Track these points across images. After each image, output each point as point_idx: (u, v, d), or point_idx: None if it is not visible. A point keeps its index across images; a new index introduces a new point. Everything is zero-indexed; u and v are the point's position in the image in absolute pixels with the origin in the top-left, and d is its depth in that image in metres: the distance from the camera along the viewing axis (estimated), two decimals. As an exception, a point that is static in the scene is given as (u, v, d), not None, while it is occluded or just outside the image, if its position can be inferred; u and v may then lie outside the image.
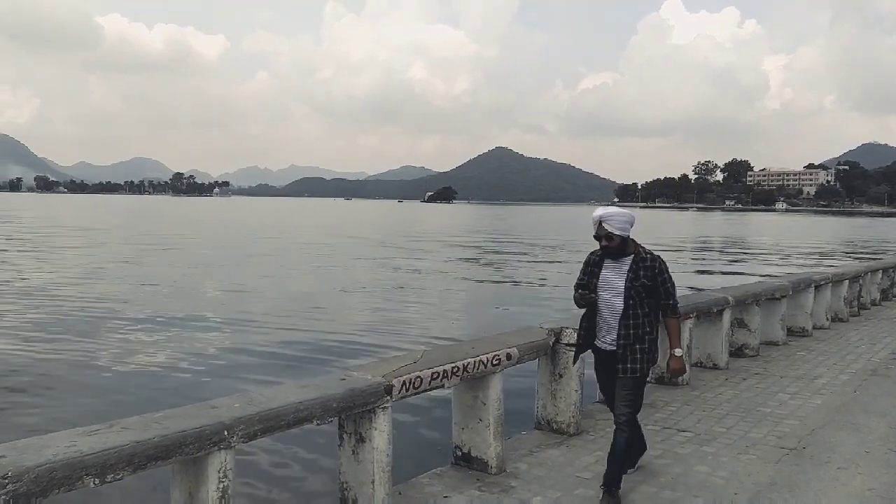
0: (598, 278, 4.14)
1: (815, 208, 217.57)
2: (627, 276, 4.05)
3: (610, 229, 4.02)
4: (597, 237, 4.08)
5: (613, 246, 4.05)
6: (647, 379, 4.31)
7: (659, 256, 4.13)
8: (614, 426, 4.17)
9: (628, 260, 4.08)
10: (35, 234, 41.39)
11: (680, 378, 4.16)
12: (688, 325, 7.05)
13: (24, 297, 16.44)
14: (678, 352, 4.16)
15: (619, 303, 4.07)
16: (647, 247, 4.16)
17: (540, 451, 5.00)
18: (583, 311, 4.29)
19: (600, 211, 4.09)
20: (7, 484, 2.40)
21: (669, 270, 4.12)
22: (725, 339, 7.78)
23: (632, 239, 4.13)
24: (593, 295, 4.12)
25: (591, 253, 4.25)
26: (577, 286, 4.22)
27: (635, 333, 4.06)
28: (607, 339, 4.15)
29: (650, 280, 4.05)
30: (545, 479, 4.50)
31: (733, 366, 7.82)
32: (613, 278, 4.09)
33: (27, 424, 7.22)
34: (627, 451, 4.16)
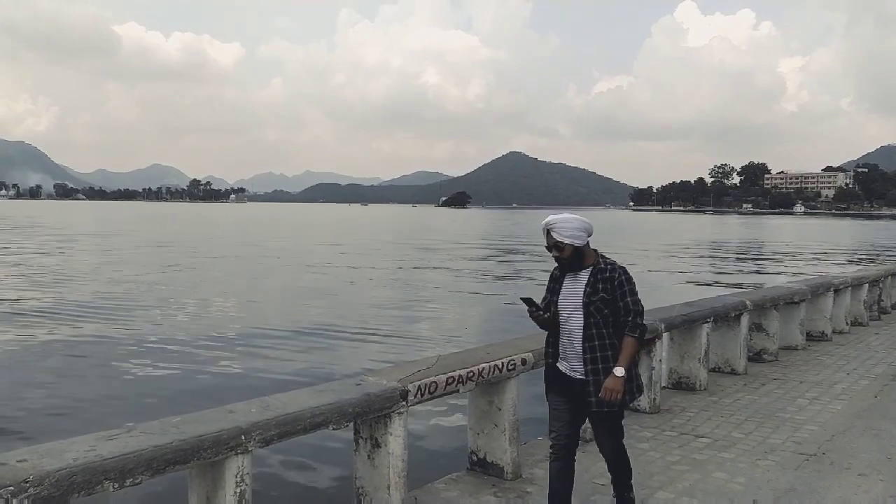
0: (558, 294, 3.68)
1: (833, 211, 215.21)
2: (585, 290, 3.56)
3: (559, 238, 3.54)
4: (547, 247, 3.64)
5: (565, 257, 3.57)
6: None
7: (622, 267, 3.62)
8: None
9: (587, 272, 3.59)
10: (64, 240, 41.93)
11: (611, 401, 3.49)
12: (705, 329, 7.00)
13: (46, 301, 16.66)
14: (618, 371, 3.47)
15: (578, 322, 3.58)
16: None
17: (556, 457, 4.97)
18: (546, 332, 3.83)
19: (549, 218, 3.62)
20: (28, 488, 2.43)
21: (634, 283, 3.59)
22: (743, 343, 7.71)
23: (593, 249, 3.66)
24: (543, 313, 3.64)
25: (555, 267, 3.76)
26: (530, 304, 3.68)
27: (603, 357, 3.52)
28: (574, 364, 3.62)
29: (610, 294, 3.53)
30: (561, 484, 4.47)
31: (752, 371, 7.74)
32: (572, 294, 3.62)
33: (47, 428, 7.29)
34: (626, 466, 3.81)
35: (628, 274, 3.60)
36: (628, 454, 3.85)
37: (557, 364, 3.71)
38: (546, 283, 3.82)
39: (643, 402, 6.09)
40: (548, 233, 3.59)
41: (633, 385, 3.60)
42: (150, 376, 9.83)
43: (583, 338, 3.56)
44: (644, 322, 3.58)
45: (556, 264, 3.71)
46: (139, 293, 18.62)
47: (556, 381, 3.73)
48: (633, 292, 3.56)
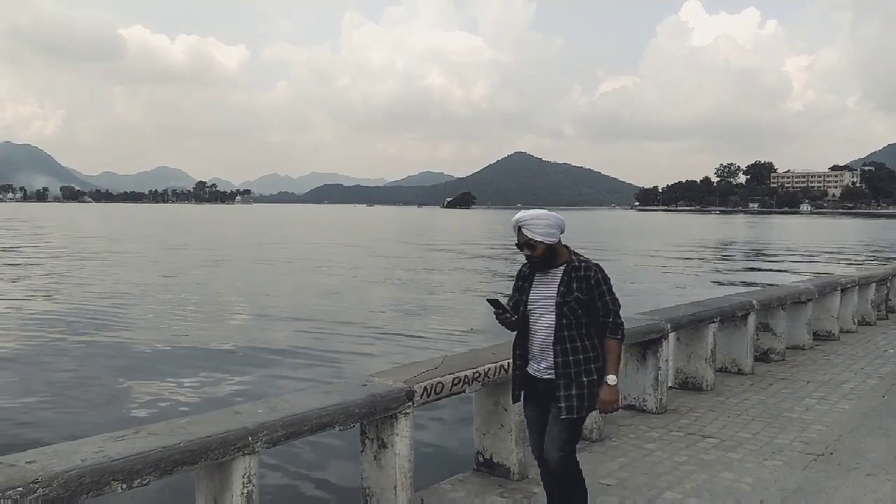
0: (527, 294, 3.48)
1: (840, 210, 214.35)
2: (558, 289, 3.36)
3: (531, 235, 3.33)
4: (518, 245, 3.42)
5: (537, 255, 3.37)
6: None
7: (597, 265, 3.42)
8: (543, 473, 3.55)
9: (559, 271, 3.40)
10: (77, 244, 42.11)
11: (609, 412, 3.46)
12: (711, 328, 6.98)
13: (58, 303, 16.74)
14: (611, 379, 3.35)
15: (550, 323, 3.38)
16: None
17: (562, 457, 4.96)
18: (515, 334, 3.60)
19: (519, 214, 3.42)
20: (37, 489, 2.44)
21: (609, 281, 3.41)
22: (750, 343, 7.69)
23: (565, 246, 3.45)
24: (511, 315, 3.41)
25: (523, 265, 3.56)
26: (496, 306, 3.41)
27: (575, 360, 3.33)
28: (541, 366, 3.43)
29: (585, 293, 3.34)
30: (568, 485, 4.46)
31: (758, 371, 7.72)
32: (543, 294, 3.41)
33: (55, 430, 7.33)
34: (576, 485, 3.53)
35: (604, 272, 3.41)
36: (580, 476, 3.56)
37: (527, 368, 3.52)
38: (514, 281, 3.61)
39: (650, 402, 6.08)
40: (519, 230, 3.38)
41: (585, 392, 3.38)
42: (156, 378, 9.86)
43: (554, 340, 3.36)
44: (622, 321, 3.43)
45: (524, 262, 3.53)
46: (152, 296, 18.69)
47: (528, 390, 3.54)
48: (611, 291, 3.40)
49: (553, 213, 3.41)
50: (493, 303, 3.37)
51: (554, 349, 3.36)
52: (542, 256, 3.38)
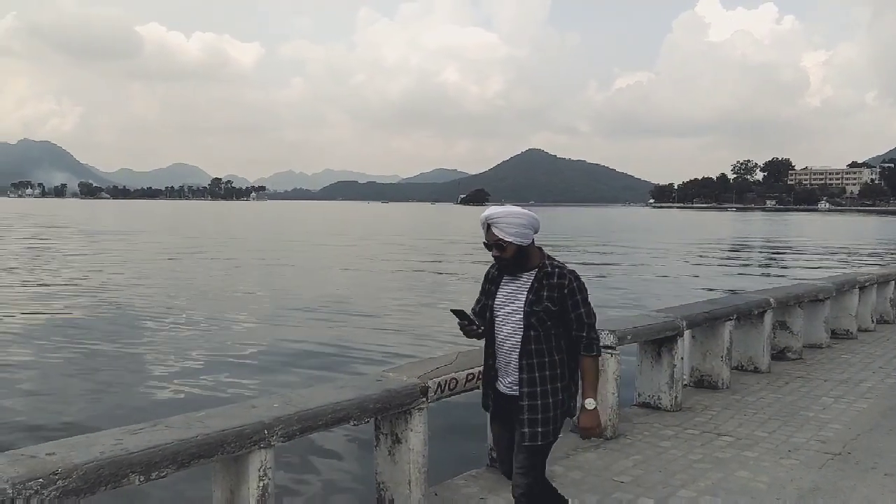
0: (494, 299, 3.15)
1: (859, 208, 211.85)
2: (527, 297, 3.03)
3: (501, 235, 3.00)
4: (486, 245, 3.08)
5: (507, 257, 3.03)
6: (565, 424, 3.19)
7: (572, 272, 3.07)
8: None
9: (530, 276, 3.06)
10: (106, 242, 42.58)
11: (593, 437, 3.15)
12: (728, 326, 6.93)
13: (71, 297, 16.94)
14: (589, 403, 3.02)
15: (516, 333, 3.05)
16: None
17: (576, 455, 4.96)
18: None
19: (489, 210, 3.07)
20: (57, 480, 2.48)
21: (585, 291, 3.07)
22: (767, 341, 7.63)
23: (538, 248, 3.11)
24: (477, 327, 3.10)
25: (492, 265, 3.22)
26: (461, 317, 3.09)
27: (541, 377, 3.01)
28: (507, 381, 3.12)
29: (556, 303, 2.99)
30: (581, 482, 4.46)
31: (775, 369, 7.66)
32: (511, 300, 3.08)
33: (73, 422, 7.42)
34: None
35: (580, 280, 3.06)
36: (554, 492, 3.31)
37: (496, 384, 3.19)
38: (481, 285, 3.29)
39: (665, 399, 6.05)
40: (488, 228, 3.04)
41: (571, 409, 3.12)
42: (173, 371, 9.95)
43: (520, 353, 3.03)
44: (598, 335, 3.10)
45: (492, 263, 3.21)
46: (174, 293, 18.86)
47: (495, 405, 3.23)
48: (586, 302, 3.05)
49: (527, 212, 3.07)
50: (458, 314, 3.07)
51: (519, 363, 3.04)
52: (511, 258, 3.04)
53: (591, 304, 3.08)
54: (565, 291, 3.01)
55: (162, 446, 2.79)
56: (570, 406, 3.10)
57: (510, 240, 2.99)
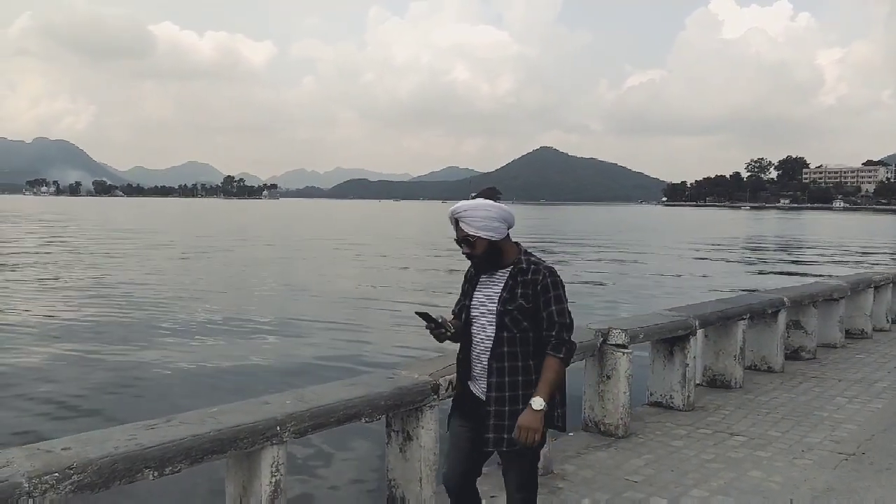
0: (470, 299, 2.97)
1: (874, 206, 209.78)
2: (500, 295, 2.85)
3: (469, 230, 2.83)
4: (457, 242, 2.92)
5: (477, 254, 2.86)
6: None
7: (549, 267, 2.86)
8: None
9: (505, 273, 2.88)
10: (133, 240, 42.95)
11: (527, 444, 2.71)
12: (741, 326, 6.89)
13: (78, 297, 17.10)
14: (536, 402, 2.69)
15: (489, 335, 2.86)
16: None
17: (587, 453, 4.95)
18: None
19: (457, 205, 2.90)
20: (72, 475, 2.51)
21: (561, 288, 2.84)
22: (781, 341, 7.58)
23: (515, 243, 2.92)
24: (445, 330, 2.90)
25: (471, 265, 3.04)
26: (427, 319, 2.90)
27: (511, 382, 2.79)
28: (481, 384, 2.90)
29: (530, 300, 2.79)
30: (593, 480, 4.46)
31: (789, 369, 7.61)
32: (486, 299, 2.91)
33: (88, 418, 7.49)
34: None
35: (556, 276, 2.84)
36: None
37: (470, 384, 2.97)
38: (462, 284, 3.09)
39: (677, 399, 6.03)
40: (456, 223, 2.87)
41: (553, 414, 2.84)
42: (187, 367, 10.02)
43: (491, 355, 2.84)
44: (572, 339, 2.84)
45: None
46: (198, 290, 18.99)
47: (463, 402, 3.00)
48: (560, 300, 2.82)
49: (497, 204, 2.86)
50: (423, 316, 2.89)
51: (489, 366, 2.84)
52: (482, 255, 2.86)
53: (567, 304, 2.85)
54: (538, 288, 2.80)
55: (176, 442, 2.81)
56: (551, 416, 2.81)
57: (479, 234, 2.82)
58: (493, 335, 2.84)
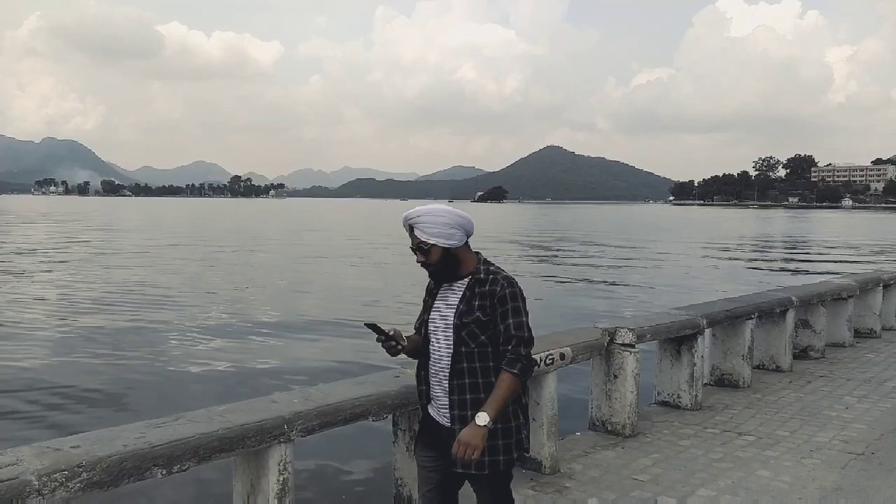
0: (429, 313, 2.80)
1: (883, 205, 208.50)
2: (457, 307, 2.68)
3: (422, 237, 2.66)
4: (412, 249, 2.74)
5: (432, 262, 2.69)
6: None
7: (508, 277, 2.67)
8: None
9: (463, 284, 2.71)
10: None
11: (464, 462, 2.52)
12: (749, 325, 6.86)
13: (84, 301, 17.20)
14: (481, 418, 2.50)
15: (447, 351, 2.69)
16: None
17: (595, 453, 4.95)
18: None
19: (412, 209, 2.73)
20: (81, 472, 2.52)
21: (520, 300, 2.65)
22: (789, 340, 7.54)
23: (474, 252, 2.76)
24: (397, 343, 2.71)
25: None
26: (377, 331, 2.71)
27: (473, 400, 2.61)
28: (442, 406, 2.73)
29: (487, 313, 2.61)
30: (600, 480, 4.45)
31: (797, 368, 7.57)
32: (443, 313, 2.73)
33: (97, 416, 7.53)
34: None
35: (515, 287, 2.66)
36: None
37: (428, 407, 2.81)
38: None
39: (684, 398, 6.01)
40: (410, 229, 2.70)
41: (511, 441, 2.65)
42: (195, 366, 10.06)
43: (450, 372, 2.67)
44: (530, 353, 2.62)
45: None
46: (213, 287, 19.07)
47: (424, 431, 2.85)
48: (519, 312, 2.62)
49: (454, 210, 2.71)
50: (372, 327, 2.69)
51: (450, 384, 2.67)
52: (437, 264, 2.69)
53: (526, 318, 2.65)
54: (495, 300, 2.61)
55: (184, 440, 2.82)
56: (519, 438, 2.68)
57: (433, 241, 2.65)
58: (451, 351, 2.67)
